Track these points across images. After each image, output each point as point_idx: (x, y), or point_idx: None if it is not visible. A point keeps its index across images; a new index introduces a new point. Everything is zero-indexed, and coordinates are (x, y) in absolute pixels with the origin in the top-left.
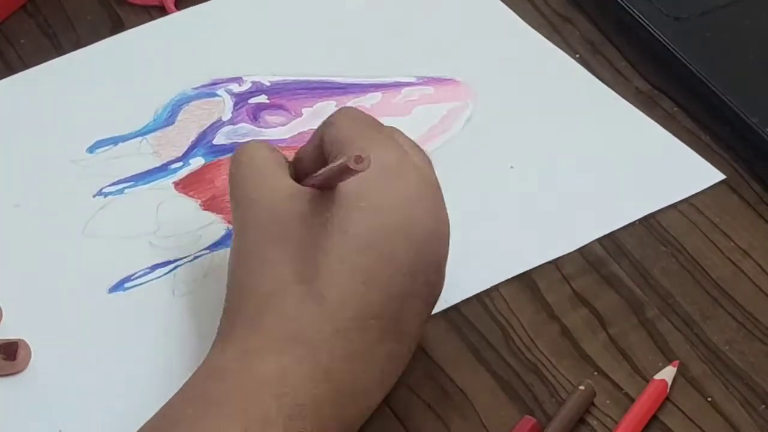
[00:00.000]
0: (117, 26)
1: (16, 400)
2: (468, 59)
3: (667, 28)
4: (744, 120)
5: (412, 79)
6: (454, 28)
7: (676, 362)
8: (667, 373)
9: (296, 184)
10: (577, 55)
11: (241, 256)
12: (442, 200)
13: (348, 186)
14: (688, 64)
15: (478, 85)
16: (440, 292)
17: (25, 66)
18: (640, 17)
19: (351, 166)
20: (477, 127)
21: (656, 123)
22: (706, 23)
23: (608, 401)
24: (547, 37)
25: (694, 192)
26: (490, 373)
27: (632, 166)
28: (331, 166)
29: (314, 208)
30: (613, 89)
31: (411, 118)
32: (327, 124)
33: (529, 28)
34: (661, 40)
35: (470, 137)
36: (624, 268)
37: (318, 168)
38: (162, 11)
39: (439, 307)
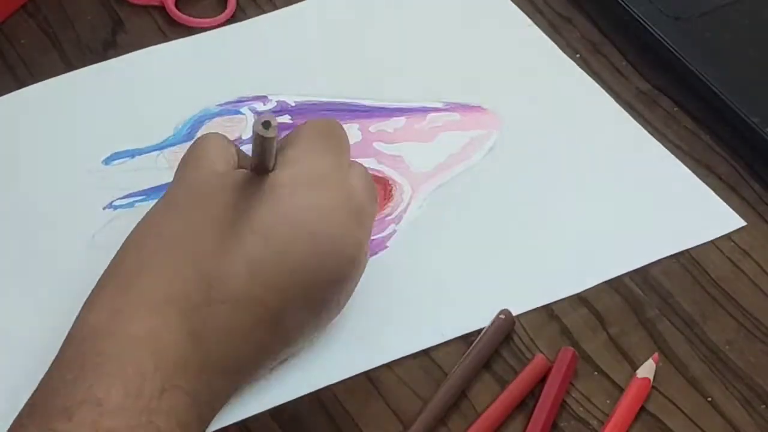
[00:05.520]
0: (117, 26)
1: (14, 411)
2: (498, 87)
3: (667, 28)
4: (744, 120)
5: (439, 105)
6: (487, 55)
7: (656, 356)
8: (648, 369)
9: (228, 169)
10: (578, 55)
11: (141, 220)
12: (366, 229)
13: (274, 178)
14: (688, 64)
15: (505, 113)
16: (335, 315)
17: (26, 65)
18: (640, 17)
19: (256, 130)
20: (499, 157)
21: (686, 167)
22: (706, 23)
23: (608, 401)
24: (547, 37)
25: (715, 236)
26: (490, 373)
27: (655, 205)
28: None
29: (233, 190)
30: (613, 89)
31: (433, 144)
32: (297, 127)
33: (565, 56)
34: (661, 40)
35: (491, 167)
36: None
37: None
38: (162, 11)
39: (456, 334)
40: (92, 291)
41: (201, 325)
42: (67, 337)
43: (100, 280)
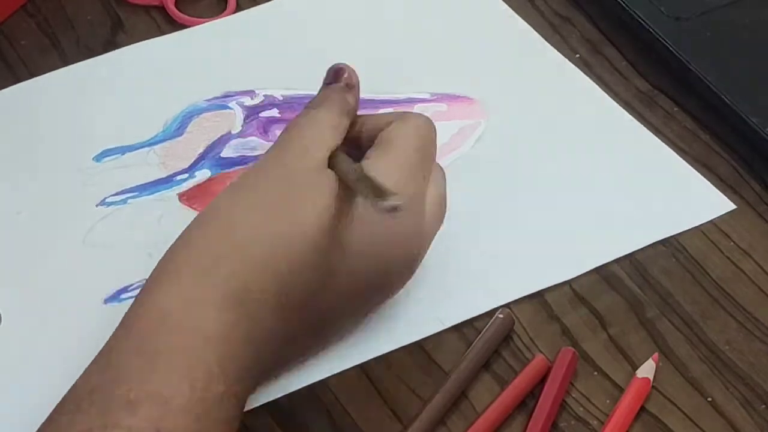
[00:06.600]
0: (117, 26)
1: (9, 408)
2: (484, 77)
3: (667, 28)
4: (744, 120)
5: (426, 96)
6: (472, 45)
7: (656, 356)
8: (648, 369)
9: (324, 156)
10: (577, 55)
11: (221, 196)
12: (426, 250)
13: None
14: (688, 64)
15: (492, 103)
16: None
17: (26, 66)
18: (640, 17)
19: (383, 207)
20: (487, 146)
21: (672, 150)
22: (706, 23)
23: (608, 401)
24: (547, 37)
25: (705, 220)
26: (490, 373)
27: (644, 191)
28: (367, 186)
29: (322, 193)
30: (613, 89)
31: None
32: (400, 123)
33: (552, 48)
34: (661, 40)
35: (479, 156)
36: (624, 268)
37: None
38: (162, 11)
39: (448, 323)
40: (160, 264)
41: (262, 329)
42: (132, 317)
43: (171, 253)
